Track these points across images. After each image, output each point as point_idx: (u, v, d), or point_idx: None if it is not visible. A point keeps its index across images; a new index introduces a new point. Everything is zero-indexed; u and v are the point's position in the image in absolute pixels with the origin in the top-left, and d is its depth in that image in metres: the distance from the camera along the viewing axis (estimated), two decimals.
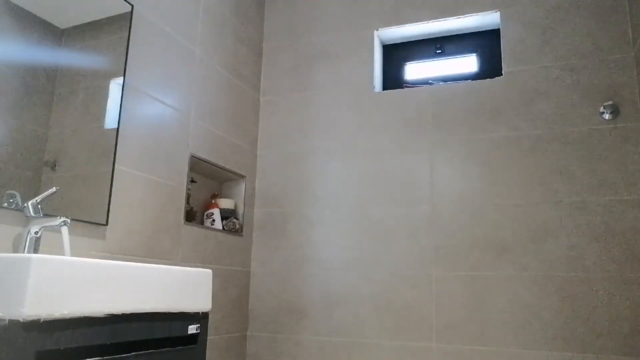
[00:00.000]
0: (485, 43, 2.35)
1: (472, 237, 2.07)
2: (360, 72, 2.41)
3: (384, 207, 2.23)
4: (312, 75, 2.51)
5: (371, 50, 2.41)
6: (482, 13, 2.25)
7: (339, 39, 2.49)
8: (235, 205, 2.36)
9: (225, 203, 2.29)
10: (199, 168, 2.16)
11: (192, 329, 1.31)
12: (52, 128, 1.41)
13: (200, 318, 1.35)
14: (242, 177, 2.40)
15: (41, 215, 1.30)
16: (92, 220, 1.52)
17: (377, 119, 2.32)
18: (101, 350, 1.04)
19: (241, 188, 2.39)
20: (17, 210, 1.29)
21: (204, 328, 1.35)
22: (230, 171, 2.30)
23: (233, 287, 2.26)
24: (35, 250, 1.28)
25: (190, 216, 2.08)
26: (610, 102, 1.95)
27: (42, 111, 1.39)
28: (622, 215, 1.89)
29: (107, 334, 1.05)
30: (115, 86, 1.65)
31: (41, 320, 0.90)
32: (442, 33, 2.41)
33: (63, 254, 1.37)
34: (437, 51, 2.43)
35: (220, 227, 2.20)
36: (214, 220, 2.19)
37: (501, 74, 2.18)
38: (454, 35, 2.41)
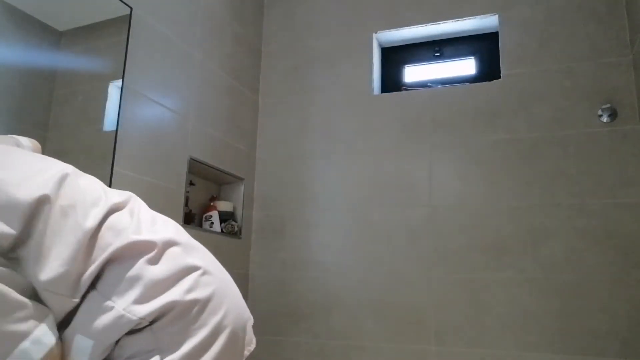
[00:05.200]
0: (483, 46, 2.35)
1: (471, 239, 2.07)
2: (359, 75, 2.41)
3: (383, 209, 2.23)
4: (311, 77, 2.51)
5: (370, 53, 2.42)
6: (480, 16, 2.26)
7: (337, 42, 2.49)
8: (234, 208, 2.35)
9: (224, 205, 2.29)
10: (197, 170, 2.16)
11: None
12: (50, 130, 1.41)
13: None
14: (241, 179, 2.39)
15: None
16: None
17: (376, 122, 2.32)
18: None
19: (240, 191, 2.39)
20: None
21: None
22: (229, 174, 2.29)
23: None
24: None
25: (189, 219, 2.08)
26: (608, 105, 1.96)
27: (41, 113, 1.39)
28: (621, 217, 1.89)
29: None
30: (114, 89, 1.65)
31: None
32: (441, 36, 2.41)
33: None
34: (436, 54, 2.43)
35: (219, 230, 2.20)
36: (212, 223, 2.18)
37: (499, 77, 2.18)
38: (452, 38, 2.41)
